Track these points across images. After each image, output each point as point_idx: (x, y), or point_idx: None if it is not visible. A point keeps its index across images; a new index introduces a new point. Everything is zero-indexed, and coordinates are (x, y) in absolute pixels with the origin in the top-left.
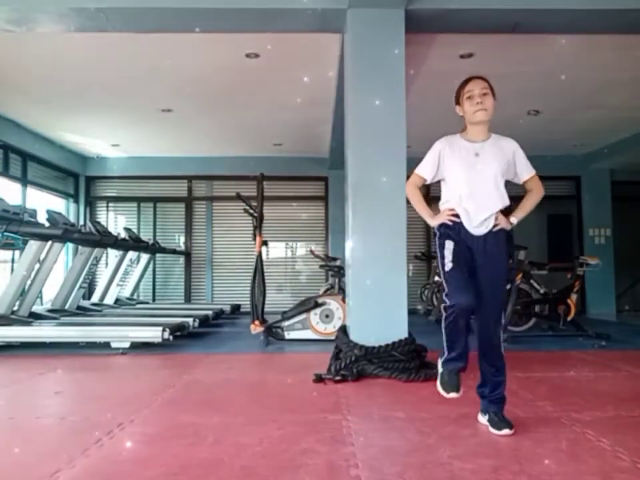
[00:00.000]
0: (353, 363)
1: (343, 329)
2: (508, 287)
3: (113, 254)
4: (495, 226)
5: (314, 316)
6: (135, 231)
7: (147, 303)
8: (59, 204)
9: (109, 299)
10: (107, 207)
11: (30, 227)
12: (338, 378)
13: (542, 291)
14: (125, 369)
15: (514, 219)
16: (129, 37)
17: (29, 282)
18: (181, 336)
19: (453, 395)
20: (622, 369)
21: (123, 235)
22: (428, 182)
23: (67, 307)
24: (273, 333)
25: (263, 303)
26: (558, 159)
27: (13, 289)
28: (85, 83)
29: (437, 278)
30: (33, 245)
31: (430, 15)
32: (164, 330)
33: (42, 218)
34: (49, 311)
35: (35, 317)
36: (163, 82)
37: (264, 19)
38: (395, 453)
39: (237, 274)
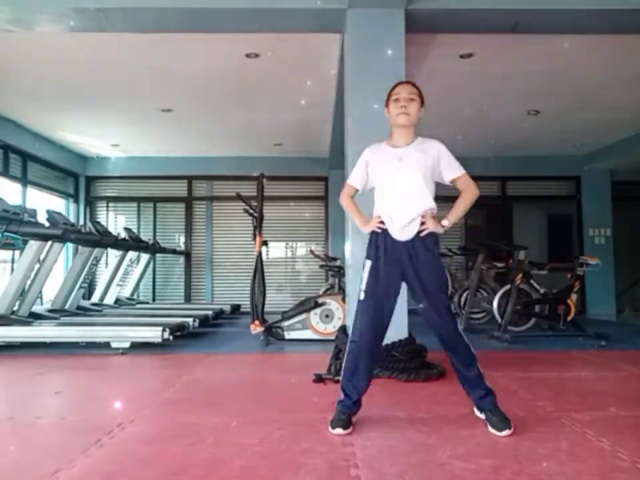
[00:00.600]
0: None
1: (343, 329)
2: (508, 287)
3: (113, 254)
4: (421, 230)
5: (314, 316)
6: (135, 231)
7: (147, 303)
8: (59, 204)
9: (109, 299)
10: (107, 207)
11: (30, 226)
12: (338, 378)
13: (542, 291)
14: (125, 369)
15: (446, 222)
16: (129, 37)
17: (29, 282)
18: (181, 336)
19: (338, 431)
20: (622, 369)
21: (123, 235)
22: (361, 191)
23: (67, 307)
24: (273, 333)
25: (263, 303)
26: (558, 159)
27: (12, 288)
28: (85, 83)
29: None
30: (32, 245)
31: (430, 14)
32: (164, 330)
33: (42, 218)
34: (49, 310)
35: (34, 316)
36: (163, 82)
37: (264, 18)
38: (395, 453)
39: (237, 274)
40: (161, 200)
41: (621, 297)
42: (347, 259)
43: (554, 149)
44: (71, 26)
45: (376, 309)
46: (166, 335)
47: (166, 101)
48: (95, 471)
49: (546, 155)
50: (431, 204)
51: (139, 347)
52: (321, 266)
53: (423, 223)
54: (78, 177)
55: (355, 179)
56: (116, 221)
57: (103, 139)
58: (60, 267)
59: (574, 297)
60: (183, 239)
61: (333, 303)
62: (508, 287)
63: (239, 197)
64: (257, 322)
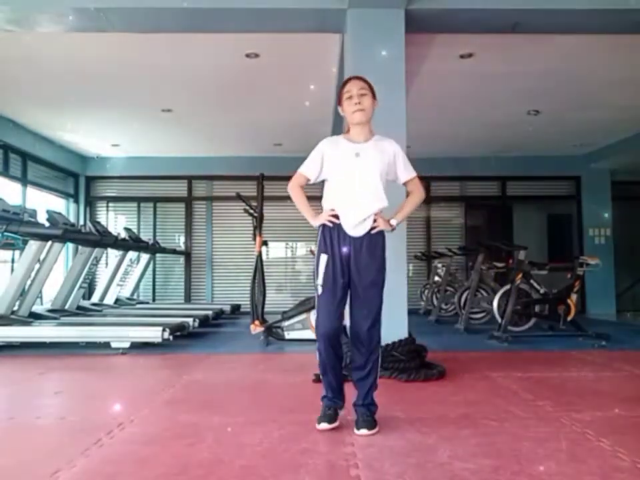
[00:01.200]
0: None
1: (343, 329)
2: (508, 287)
3: (113, 254)
4: (373, 228)
5: (314, 316)
6: (135, 231)
7: (147, 302)
8: (59, 204)
9: (109, 299)
10: (107, 207)
11: (30, 226)
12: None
13: (542, 291)
14: (125, 369)
15: (394, 221)
16: (129, 37)
17: (28, 282)
18: (181, 336)
19: (323, 425)
20: (622, 369)
21: (123, 235)
22: (312, 181)
23: (67, 307)
24: (273, 333)
25: (263, 303)
26: (558, 159)
27: (13, 288)
28: (85, 83)
29: (436, 278)
30: (32, 245)
31: (430, 14)
32: (164, 330)
33: (42, 218)
34: (49, 310)
35: (35, 316)
36: (163, 82)
37: (264, 18)
38: (395, 453)
39: (237, 274)
40: (161, 200)
41: (621, 297)
42: None
43: (554, 149)
44: (71, 26)
45: (334, 302)
46: (166, 334)
47: (166, 101)
48: (94, 471)
49: (546, 155)
50: (385, 203)
51: (139, 346)
52: None
53: (374, 220)
54: (78, 177)
55: (308, 168)
56: (116, 221)
57: (103, 139)
58: (60, 267)
59: (574, 296)
60: (182, 239)
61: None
62: (508, 287)
63: (238, 197)
64: (257, 322)
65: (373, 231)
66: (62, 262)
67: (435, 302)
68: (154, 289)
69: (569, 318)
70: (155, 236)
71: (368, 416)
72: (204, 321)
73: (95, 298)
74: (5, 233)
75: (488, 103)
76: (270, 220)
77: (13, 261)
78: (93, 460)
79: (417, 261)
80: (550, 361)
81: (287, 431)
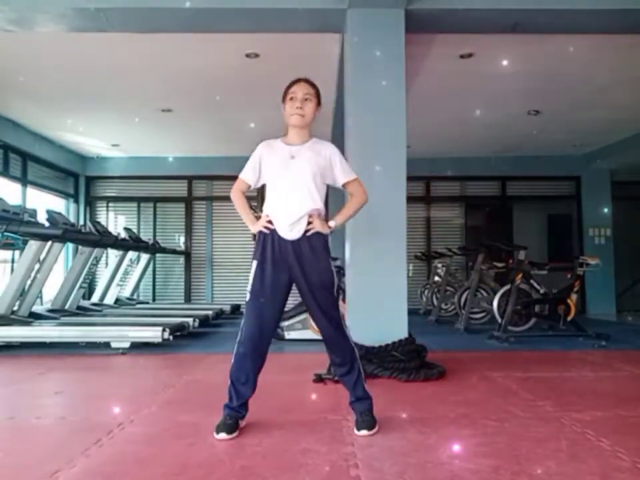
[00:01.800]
0: None
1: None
2: (508, 287)
3: (113, 254)
4: (307, 230)
5: None
6: (135, 231)
7: (147, 302)
8: (58, 204)
9: (109, 299)
10: (107, 206)
11: (30, 226)
12: (338, 378)
13: (542, 291)
14: (125, 369)
15: (332, 223)
16: (129, 37)
17: (29, 282)
18: (181, 336)
19: (222, 435)
20: (622, 369)
21: (123, 235)
22: (253, 187)
23: (67, 307)
24: None
25: None
26: (558, 159)
27: (13, 288)
28: (85, 83)
29: (436, 278)
30: (32, 245)
31: (430, 14)
32: (164, 330)
33: (42, 218)
34: (49, 310)
35: (35, 316)
36: (163, 82)
37: (264, 19)
38: (395, 453)
39: (236, 274)
40: (161, 200)
41: (620, 297)
42: (347, 258)
43: (554, 149)
44: (71, 26)
45: (262, 311)
46: (166, 335)
47: (166, 101)
48: (95, 471)
49: (546, 154)
50: (319, 204)
51: (139, 346)
52: None
53: (310, 223)
54: (78, 177)
55: (246, 174)
56: (116, 221)
57: (102, 139)
58: (60, 267)
59: (574, 297)
60: (183, 239)
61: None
62: (508, 287)
63: None
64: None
65: (308, 233)
66: (62, 262)
67: (435, 302)
68: (154, 289)
69: (569, 318)
70: (154, 236)
71: (367, 415)
72: (204, 321)
73: (95, 298)
74: (5, 233)
75: (488, 103)
76: None
77: (13, 260)
78: (93, 460)
79: (417, 260)
80: (550, 361)
81: (286, 431)
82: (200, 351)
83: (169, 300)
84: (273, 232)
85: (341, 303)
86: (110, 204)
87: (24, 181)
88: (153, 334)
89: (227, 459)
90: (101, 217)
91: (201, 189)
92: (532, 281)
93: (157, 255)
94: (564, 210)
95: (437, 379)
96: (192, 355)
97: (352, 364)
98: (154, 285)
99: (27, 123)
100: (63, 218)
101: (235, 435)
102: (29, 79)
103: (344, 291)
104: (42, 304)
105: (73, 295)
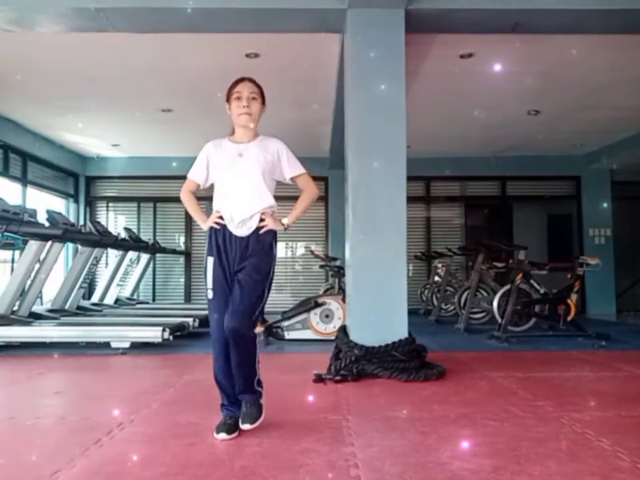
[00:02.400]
0: (352, 362)
1: (343, 329)
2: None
3: (113, 254)
4: (260, 228)
5: (314, 316)
6: (135, 231)
7: (147, 302)
8: (58, 204)
9: (109, 299)
10: (107, 206)
11: (30, 226)
12: (338, 378)
13: (542, 291)
14: (125, 369)
15: (286, 220)
16: (129, 37)
17: (29, 282)
18: (180, 336)
19: (222, 436)
20: (622, 369)
21: (123, 235)
22: (202, 186)
23: (67, 307)
24: (273, 333)
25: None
26: (558, 159)
27: (12, 288)
28: (85, 83)
29: (436, 278)
30: (32, 245)
31: (430, 14)
32: (164, 330)
33: (42, 218)
34: (49, 310)
35: (35, 316)
36: (163, 82)
37: (264, 19)
38: (394, 453)
39: None
40: (161, 200)
41: (620, 297)
42: (347, 258)
43: (554, 149)
44: (71, 26)
45: (225, 305)
46: (166, 335)
47: (166, 101)
48: (95, 471)
49: (546, 154)
50: (271, 201)
51: (139, 347)
52: (321, 266)
53: (262, 220)
54: (78, 177)
55: (195, 173)
56: (116, 221)
57: (103, 139)
58: (60, 267)
59: (574, 297)
60: (182, 239)
61: (333, 303)
62: (508, 286)
63: None
64: (256, 322)
65: (261, 231)
66: (62, 262)
67: (435, 302)
68: (154, 289)
69: (569, 318)
70: (155, 236)
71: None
72: (204, 321)
73: (95, 298)
74: (5, 233)
75: (488, 103)
76: None
77: (13, 260)
78: (93, 460)
79: (417, 260)
80: (550, 361)
81: (286, 431)
82: (200, 351)
83: (169, 300)
84: (224, 228)
85: (340, 302)
86: (110, 204)
87: (24, 181)
88: (153, 334)
89: (227, 458)
90: (101, 217)
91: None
92: (532, 281)
93: (157, 254)
94: (564, 210)
95: (437, 379)
96: (192, 354)
97: (250, 365)
98: (154, 285)
99: (27, 123)
100: (63, 218)
101: (234, 435)
102: (29, 79)
103: (344, 291)
104: (42, 304)
105: (72, 295)
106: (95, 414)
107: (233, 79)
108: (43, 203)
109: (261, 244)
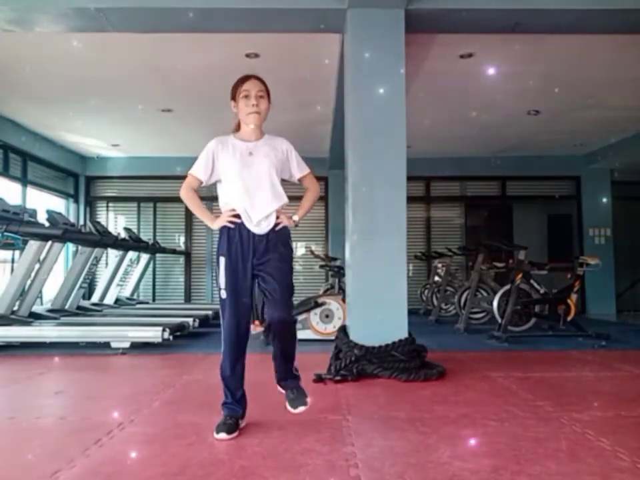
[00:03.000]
0: (352, 363)
1: (343, 329)
2: (508, 287)
3: (113, 254)
4: (277, 224)
5: (314, 316)
6: (135, 231)
7: (147, 302)
8: (58, 204)
9: (109, 299)
10: (107, 206)
11: (30, 226)
12: (338, 378)
13: (542, 291)
14: (125, 369)
15: (296, 217)
16: (129, 37)
17: (29, 282)
18: (181, 336)
19: (222, 435)
20: (622, 369)
21: (123, 235)
22: (205, 183)
23: (67, 307)
24: None
25: (263, 303)
26: (558, 159)
27: (13, 288)
28: (85, 83)
29: (436, 278)
30: (33, 244)
31: (430, 14)
32: (164, 330)
33: (42, 218)
34: (49, 310)
35: (35, 316)
36: (163, 82)
37: (264, 19)
38: (394, 453)
39: None
40: (161, 200)
41: (620, 297)
42: (347, 258)
43: (554, 149)
44: (71, 26)
45: (238, 305)
46: (166, 335)
47: (166, 101)
48: (94, 471)
49: (546, 154)
50: (285, 199)
51: (139, 347)
52: (321, 266)
53: (277, 217)
54: (78, 177)
55: (199, 170)
56: (116, 221)
57: (102, 139)
58: (60, 267)
59: (574, 296)
60: (183, 239)
61: (333, 303)
62: (508, 286)
63: None
64: (256, 322)
65: (277, 228)
66: (62, 262)
67: (435, 302)
68: (154, 288)
69: (569, 318)
70: (154, 236)
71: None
72: (204, 321)
73: (95, 298)
74: (5, 233)
75: (488, 103)
76: None
77: (13, 260)
78: (93, 460)
79: (417, 260)
80: (550, 361)
81: (287, 431)
82: (200, 351)
83: (169, 300)
84: (240, 226)
85: (340, 302)
86: (110, 204)
87: (24, 181)
88: (153, 334)
89: (227, 459)
90: (101, 217)
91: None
92: (532, 281)
93: (157, 254)
94: (564, 210)
95: (437, 379)
96: (192, 354)
97: (292, 355)
98: (154, 285)
99: (27, 122)
100: (63, 218)
101: (234, 435)
102: (29, 78)
103: (344, 291)
104: (42, 304)
105: (72, 295)
106: (95, 414)
107: (232, 79)
108: (43, 203)
109: (281, 238)
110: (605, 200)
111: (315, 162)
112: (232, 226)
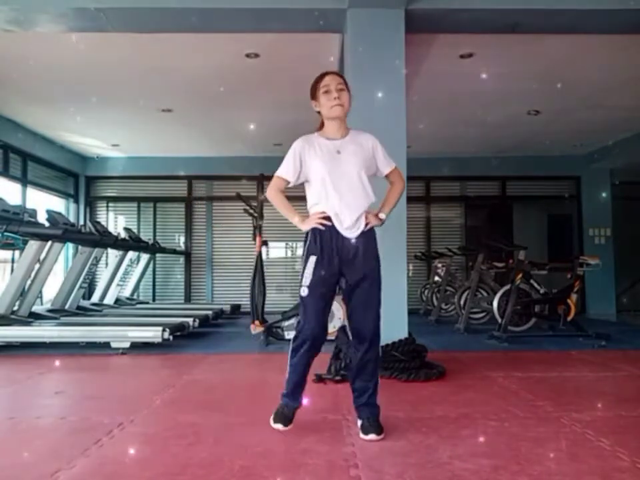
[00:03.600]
0: None
1: (343, 329)
2: (508, 287)
3: (113, 254)
4: (366, 225)
5: None
6: (135, 231)
7: (147, 302)
8: (58, 204)
9: (109, 299)
10: (107, 206)
11: (30, 226)
12: (338, 378)
13: (542, 291)
14: (125, 369)
15: (383, 215)
16: (129, 37)
17: (29, 282)
18: (181, 336)
19: (278, 426)
20: (622, 369)
21: (123, 235)
22: (292, 184)
23: (67, 307)
24: (273, 333)
25: (263, 303)
26: (558, 159)
27: (13, 288)
28: (85, 83)
29: (436, 278)
30: (33, 244)
31: (430, 14)
32: (164, 330)
33: (42, 218)
34: (49, 310)
35: (35, 316)
36: (163, 82)
37: (264, 19)
38: (394, 453)
39: (236, 274)
40: (161, 200)
41: (620, 297)
42: None
43: (554, 149)
44: (71, 26)
45: (318, 305)
46: (166, 335)
47: (166, 101)
48: (94, 471)
49: (546, 154)
50: (373, 198)
51: (139, 347)
52: None
53: (365, 217)
54: (78, 177)
55: (286, 171)
56: (116, 221)
57: (102, 139)
58: (60, 267)
59: (574, 296)
60: (183, 239)
61: (333, 303)
62: (508, 286)
63: (238, 197)
64: (257, 322)
65: (366, 228)
66: (62, 262)
67: (435, 302)
68: (154, 289)
69: (569, 318)
70: (154, 236)
71: (374, 420)
72: (204, 321)
73: (95, 298)
74: (5, 233)
75: (488, 103)
76: (270, 220)
77: (13, 260)
78: (93, 460)
79: (417, 260)
80: (550, 361)
81: (286, 431)
82: (200, 351)
83: (169, 300)
84: (331, 228)
85: (340, 302)
86: (110, 204)
87: (24, 181)
88: (153, 334)
89: (227, 459)
90: (101, 217)
91: (200, 188)
92: (532, 281)
93: (157, 254)
94: (564, 210)
95: (437, 379)
96: (192, 354)
97: (376, 370)
98: (154, 285)
99: (27, 123)
100: (63, 218)
101: (290, 426)
102: (29, 79)
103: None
104: (42, 304)
105: (72, 295)
106: (95, 414)
107: (232, 79)
108: (43, 203)
109: (370, 244)
110: (605, 200)
111: None
112: (322, 228)
